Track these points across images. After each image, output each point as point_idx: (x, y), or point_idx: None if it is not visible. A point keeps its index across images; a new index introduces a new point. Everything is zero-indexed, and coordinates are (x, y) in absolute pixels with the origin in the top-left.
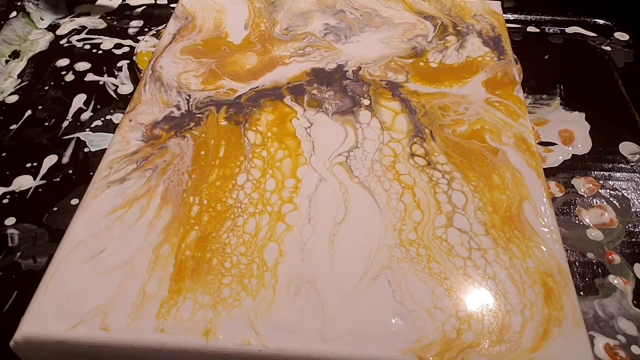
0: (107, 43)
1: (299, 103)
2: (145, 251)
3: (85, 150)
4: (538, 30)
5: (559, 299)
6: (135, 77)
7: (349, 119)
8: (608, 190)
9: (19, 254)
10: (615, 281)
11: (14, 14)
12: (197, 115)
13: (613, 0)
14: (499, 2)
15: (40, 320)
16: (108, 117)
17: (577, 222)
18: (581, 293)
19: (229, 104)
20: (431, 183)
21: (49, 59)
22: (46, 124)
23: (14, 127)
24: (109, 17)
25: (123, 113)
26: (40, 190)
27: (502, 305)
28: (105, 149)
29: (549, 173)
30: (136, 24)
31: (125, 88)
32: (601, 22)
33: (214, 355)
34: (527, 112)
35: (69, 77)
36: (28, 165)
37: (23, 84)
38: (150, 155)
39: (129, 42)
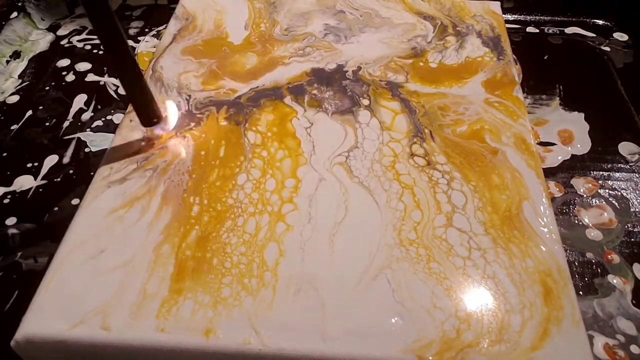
0: None
1: (299, 103)
2: (146, 251)
3: (86, 150)
4: (537, 30)
5: (558, 299)
6: None
7: (349, 119)
8: (607, 190)
9: (19, 253)
10: (615, 281)
11: (14, 14)
12: (197, 115)
13: (613, 1)
14: (499, 3)
15: (41, 319)
16: (109, 117)
17: (576, 222)
18: (580, 293)
19: (229, 104)
20: (431, 183)
21: (50, 59)
22: (47, 124)
23: (14, 127)
24: None
25: (123, 113)
26: (41, 190)
27: (502, 305)
28: (106, 149)
29: (549, 173)
30: (137, 24)
31: None
32: (600, 22)
33: (214, 354)
34: (526, 113)
35: (70, 77)
36: (29, 165)
37: (24, 84)
38: (150, 155)
39: (129, 42)
